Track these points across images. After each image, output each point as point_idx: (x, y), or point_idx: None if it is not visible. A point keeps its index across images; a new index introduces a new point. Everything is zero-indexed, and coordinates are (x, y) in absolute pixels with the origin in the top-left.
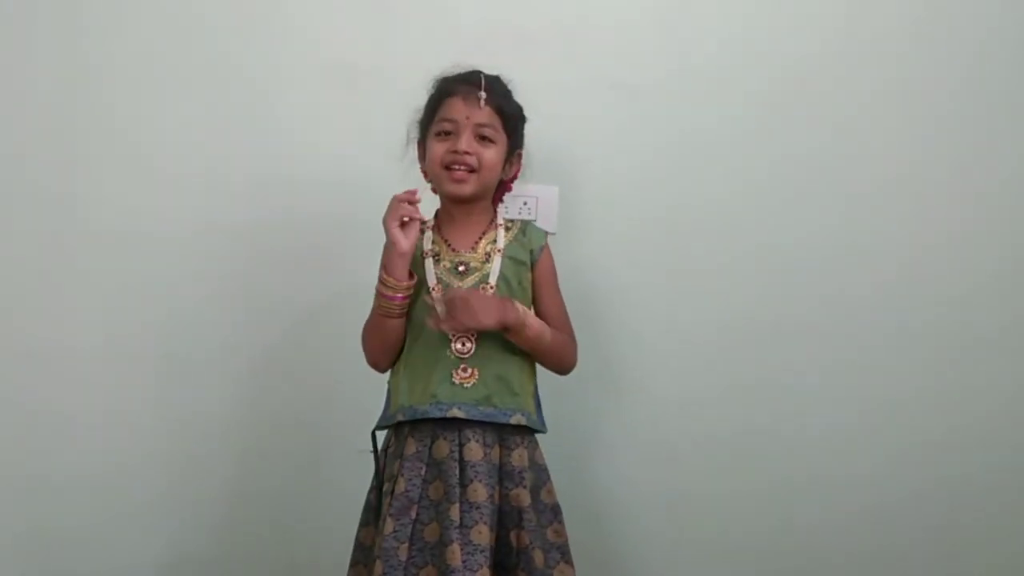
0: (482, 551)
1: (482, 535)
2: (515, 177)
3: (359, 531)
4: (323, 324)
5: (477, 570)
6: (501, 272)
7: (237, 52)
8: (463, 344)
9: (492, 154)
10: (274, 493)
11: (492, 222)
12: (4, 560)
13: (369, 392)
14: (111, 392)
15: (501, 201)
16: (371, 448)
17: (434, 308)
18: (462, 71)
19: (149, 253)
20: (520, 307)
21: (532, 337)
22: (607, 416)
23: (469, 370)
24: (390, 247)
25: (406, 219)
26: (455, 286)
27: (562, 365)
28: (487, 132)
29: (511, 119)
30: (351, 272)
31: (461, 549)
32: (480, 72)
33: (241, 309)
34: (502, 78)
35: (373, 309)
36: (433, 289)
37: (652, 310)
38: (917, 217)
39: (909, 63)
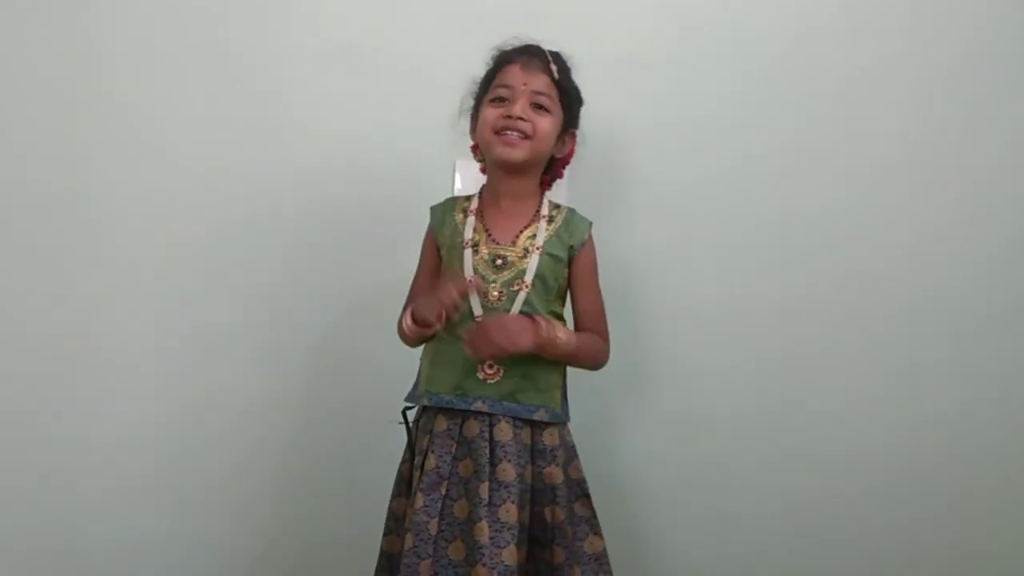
0: (509, 529)
1: (510, 513)
2: (568, 159)
3: (392, 502)
4: (354, 306)
5: (504, 547)
6: (538, 271)
7: (243, 38)
8: None
9: (546, 123)
10: (308, 467)
11: (537, 213)
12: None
13: (402, 368)
14: (144, 378)
15: (550, 187)
16: (400, 421)
17: (468, 340)
18: (522, 43)
19: (158, 244)
20: (547, 325)
21: (563, 353)
22: (635, 392)
23: (495, 367)
24: (423, 309)
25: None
26: (490, 281)
27: (593, 364)
28: (543, 101)
29: (568, 94)
30: (369, 255)
31: (489, 526)
32: (541, 46)
33: (268, 294)
34: (563, 55)
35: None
36: (470, 280)
37: (674, 285)
38: (936, 191)
39: (916, 37)
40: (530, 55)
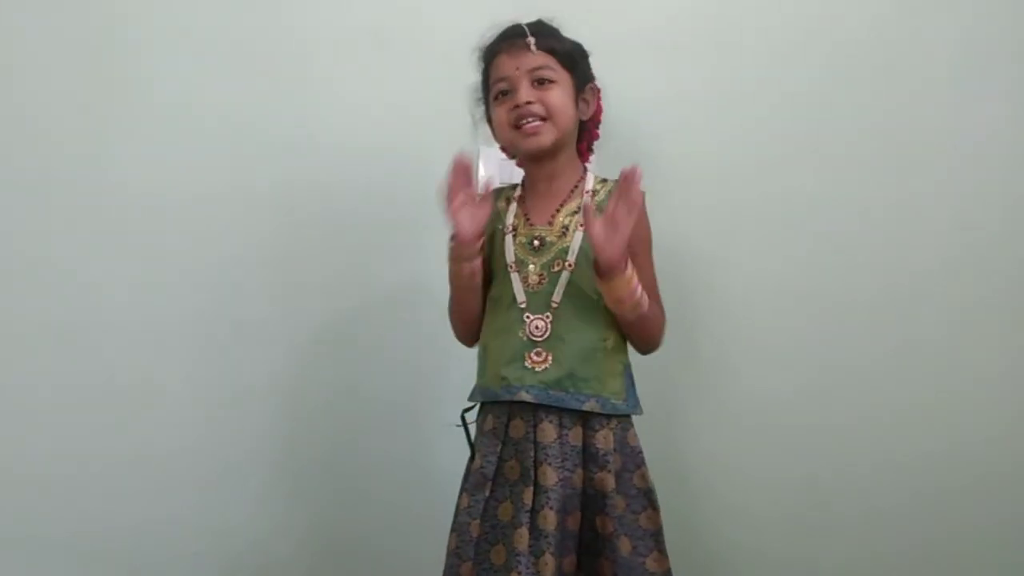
0: (546, 537)
1: (547, 520)
2: (597, 118)
3: (459, 498)
4: (377, 290)
5: (539, 556)
6: (581, 246)
7: (268, 18)
8: (537, 326)
9: (557, 94)
10: (372, 463)
11: (576, 189)
12: (74, 549)
13: (428, 360)
14: (168, 362)
15: (591, 152)
16: (458, 424)
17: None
18: (498, 30)
19: (179, 226)
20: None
21: (633, 296)
22: (698, 398)
23: (543, 354)
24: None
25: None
26: (528, 267)
27: (650, 340)
28: (544, 74)
29: (566, 55)
30: (389, 240)
31: (529, 533)
32: (518, 23)
33: (291, 279)
34: (544, 20)
35: (450, 281)
36: (510, 267)
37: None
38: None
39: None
40: (513, 37)
